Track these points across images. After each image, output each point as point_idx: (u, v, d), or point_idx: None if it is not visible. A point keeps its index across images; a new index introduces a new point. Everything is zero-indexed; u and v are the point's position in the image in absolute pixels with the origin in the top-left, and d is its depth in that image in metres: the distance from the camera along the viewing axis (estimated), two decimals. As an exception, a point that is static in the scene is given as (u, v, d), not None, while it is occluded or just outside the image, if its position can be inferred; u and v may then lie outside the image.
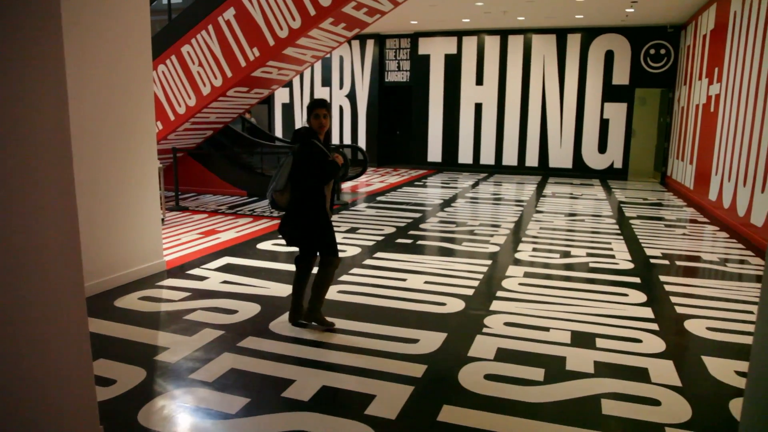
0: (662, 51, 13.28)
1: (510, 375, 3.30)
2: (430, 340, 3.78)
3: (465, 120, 15.08)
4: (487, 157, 15.10)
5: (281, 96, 16.63)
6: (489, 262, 5.81)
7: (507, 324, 4.08)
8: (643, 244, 6.75)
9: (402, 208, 9.07)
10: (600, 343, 3.77)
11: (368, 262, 5.73)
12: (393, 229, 7.35)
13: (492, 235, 7.11)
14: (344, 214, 8.42)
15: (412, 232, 7.21)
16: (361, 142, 15.76)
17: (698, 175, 10.26)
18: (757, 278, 5.46)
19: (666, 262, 5.98)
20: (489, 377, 3.27)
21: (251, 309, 4.34)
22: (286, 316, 4.15)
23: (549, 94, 14.27)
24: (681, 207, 9.80)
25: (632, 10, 11.22)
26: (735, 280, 5.41)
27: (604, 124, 14.01)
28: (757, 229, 6.89)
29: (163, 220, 7.42)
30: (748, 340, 3.90)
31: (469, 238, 6.92)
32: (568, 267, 5.68)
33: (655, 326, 4.09)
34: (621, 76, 13.65)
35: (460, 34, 14.64)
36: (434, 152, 15.55)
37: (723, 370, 3.43)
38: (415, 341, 3.77)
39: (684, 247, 6.77)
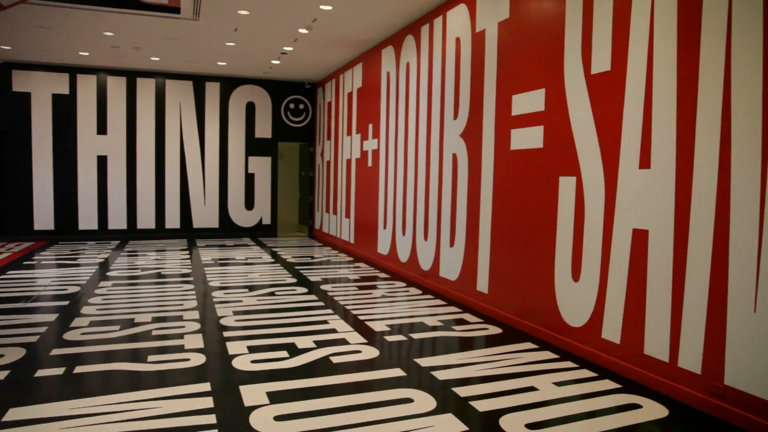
0: (301, 106, 13.33)
1: None
2: None
3: (85, 176, 12.15)
4: (117, 221, 12.48)
5: None
6: (207, 386, 3.99)
7: None
8: (360, 317, 5.92)
9: (17, 310, 6.14)
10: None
11: (1, 436, 3.23)
12: (21, 352, 4.67)
13: (182, 336, 5.22)
14: None
15: (58, 352, 4.71)
16: (-77, 211, 11.05)
17: (360, 228, 10.28)
18: (489, 340, 5.19)
19: (401, 337, 5.25)
20: None
21: None
22: None
23: (188, 146, 12.70)
24: (351, 263, 9.57)
25: (278, 62, 10.77)
26: (481, 348, 5.00)
27: (249, 179, 13.21)
28: (451, 283, 6.89)
29: None
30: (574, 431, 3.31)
31: (153, 347, 4.87)
32: (312, 370, 4.34)
33: (481, 447, 3.14)
34: (264, 129, 13.13)
35: (73, 71, 11.78)
36: (43, 218, 12.02)
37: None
38: None
39: (398, 313, 6.22)
